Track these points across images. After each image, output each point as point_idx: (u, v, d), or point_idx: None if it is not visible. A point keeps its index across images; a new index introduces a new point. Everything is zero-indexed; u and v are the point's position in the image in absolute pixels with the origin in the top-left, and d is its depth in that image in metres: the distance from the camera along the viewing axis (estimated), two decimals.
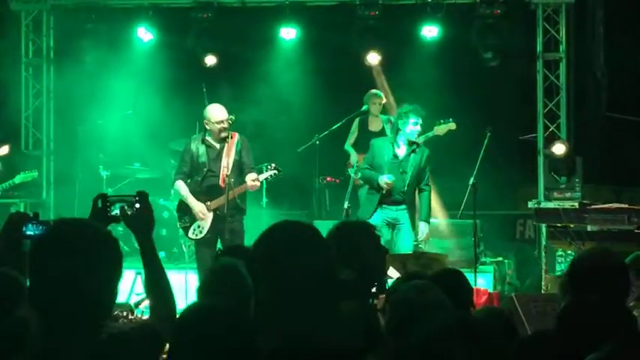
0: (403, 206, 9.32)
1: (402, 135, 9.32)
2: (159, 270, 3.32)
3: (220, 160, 8.86)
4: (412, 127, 9.27)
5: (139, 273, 9.34)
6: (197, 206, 8.89)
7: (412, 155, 9.32)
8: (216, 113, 8.86)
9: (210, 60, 11.96)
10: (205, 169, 8.91)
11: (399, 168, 9.27)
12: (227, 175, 8.71)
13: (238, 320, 2.60)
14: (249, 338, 2.52)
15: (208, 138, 8.94)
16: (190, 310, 2.79)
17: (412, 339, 2.90)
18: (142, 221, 3.41)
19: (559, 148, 11.01)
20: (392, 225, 9.32)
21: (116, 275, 2.84)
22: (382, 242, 7.73)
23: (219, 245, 8.71)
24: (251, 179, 8.79)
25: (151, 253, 3.34)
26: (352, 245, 4.56)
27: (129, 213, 3.43)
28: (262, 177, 9.02)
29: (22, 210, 10.73)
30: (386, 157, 9.32)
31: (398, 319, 3.15)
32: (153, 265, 3.33)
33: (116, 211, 3.48)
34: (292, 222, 2.72)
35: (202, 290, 4.03)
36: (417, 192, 9.45)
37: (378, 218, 9.19)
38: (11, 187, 11.10)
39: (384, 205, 9.28)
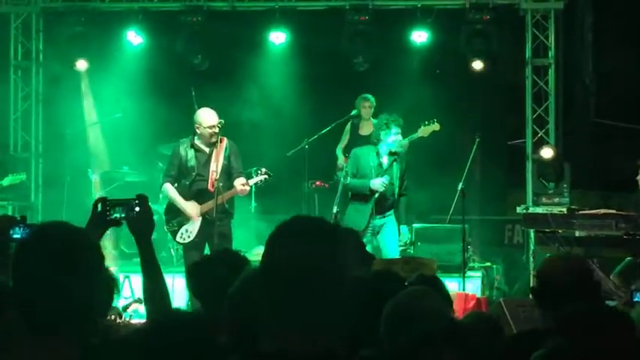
0: (391, 211, 9.37)
1: (383, 145, 9.34)
2: (157, 274, 3.33)
3: (209, 165, 8.81)
4: (394, 137, 9.31)
5: (127, 277, 9.33)
6: (188, 206, 8.85)
7: (395, 164, 9.36)
8: (208, 118, 8.79)
9: (200, 64, 11.95)
10: (194, 173, 8.86)
11: (385, 177, 9.30)
12: (216, 180, 8.68)
13: (212, 324, 2.59)
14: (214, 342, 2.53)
15: (198, 142, 8.88)
16: (169, 316, 2.78)
17: (404, 342, 2.91)
18: (142, 224, 3.44)
19: (547, 152, 11.05)
20: (377, 232, 9.34)
21: (98, 279, 2.83)
22: (369, 250, 7.81)
23: (206, 250, 8.69)
24: (240, 184, 8.72)
25: (150, 256, 3.37)
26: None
27: (129, 216, 3.45)
28: (252, 182, 8.95)
29: (10, 213, 10.68)
30: (372, 165, 9.34)
31: (394, 324, 3.15)
32: (152, 268, 3.34)
33: (115, 215, 3.49)
34: (302, 217, 2.60)
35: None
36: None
37: (368, 230, 9.23)
38: None
39: (371, 216, 9.29)
